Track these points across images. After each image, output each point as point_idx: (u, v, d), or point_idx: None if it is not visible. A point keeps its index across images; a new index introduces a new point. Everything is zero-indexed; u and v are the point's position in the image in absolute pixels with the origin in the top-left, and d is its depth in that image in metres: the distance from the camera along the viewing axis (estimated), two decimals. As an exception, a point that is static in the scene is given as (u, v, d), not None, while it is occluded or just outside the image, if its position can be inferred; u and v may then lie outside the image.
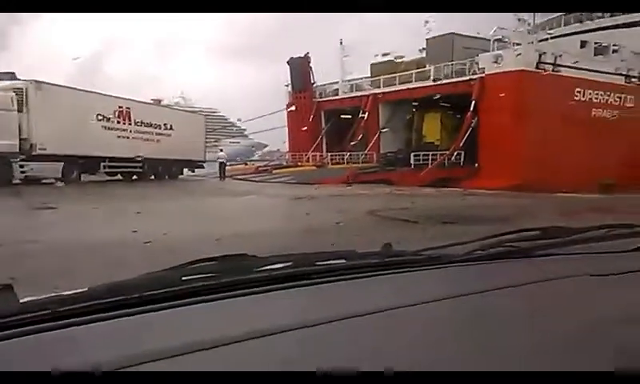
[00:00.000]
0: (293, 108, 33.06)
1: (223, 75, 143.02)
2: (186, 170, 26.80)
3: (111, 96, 22.31)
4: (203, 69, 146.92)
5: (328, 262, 1.21)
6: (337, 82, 32.71)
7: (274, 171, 28.67)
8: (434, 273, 1.26)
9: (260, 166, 32.52)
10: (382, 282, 1.17)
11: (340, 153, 29.24)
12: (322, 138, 31.92)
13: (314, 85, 32.91)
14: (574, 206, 12.86)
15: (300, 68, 32.72)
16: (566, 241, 1.43)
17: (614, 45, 22.54)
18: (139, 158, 22.54)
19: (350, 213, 11.73)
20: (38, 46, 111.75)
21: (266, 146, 60.95)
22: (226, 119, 61.21)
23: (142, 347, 0.75)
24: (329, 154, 30.32)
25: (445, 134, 26.15)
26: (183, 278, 1.03)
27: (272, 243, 5.70)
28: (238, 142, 66.48)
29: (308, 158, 30.33)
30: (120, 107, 22.26)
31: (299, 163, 30.05)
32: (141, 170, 22.96)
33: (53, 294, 0.92)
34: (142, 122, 23.18)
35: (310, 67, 32.82)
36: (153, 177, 23.73)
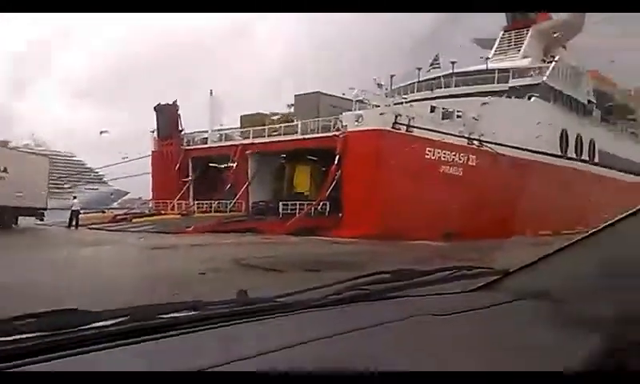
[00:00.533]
0: (158, 155, 32.00)
1: (80, 119, 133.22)
2: (25, 218, 23.45)
3: None
4: (59, 111, 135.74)
5: (172, 315, 1.13)
6: (206, 131, 32.46)
7: (134, 220, 27.17)
8: (288, 319, 1.24)
9: (118, 215, 30.64)
10: (232, 331, 1.12)
11: (207, 201, 28.77)
12: (189, 186, 31.16)
13: (182, 132, 32.33)
14: (424, 253, 13.88)
15: (168, 115, 31.99)
16: (412, 283, 1.51)
17: (458, 111, 25.35)
18: None
19: (215, 262, 11.48)
20: None
21: (126, 193, 57.77)
22: (82, 164, 57.30)
23: None
24: (195, 202, 29.65)
25: (314, 186, 27.04)
26: None
27: (116, 298, 5.29)
28: (96, 189, 62.32)
29: (173, 206, 29.31)
30: None
31: (163, 211, 28.86)
32: None
33: None
34: None
35: (179, 114, 32.27)
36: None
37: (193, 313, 1.16)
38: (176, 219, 26.02)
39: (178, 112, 32.32)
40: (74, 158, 61.85)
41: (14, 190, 21.51)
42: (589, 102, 33.32)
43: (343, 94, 27.60)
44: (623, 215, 1.28)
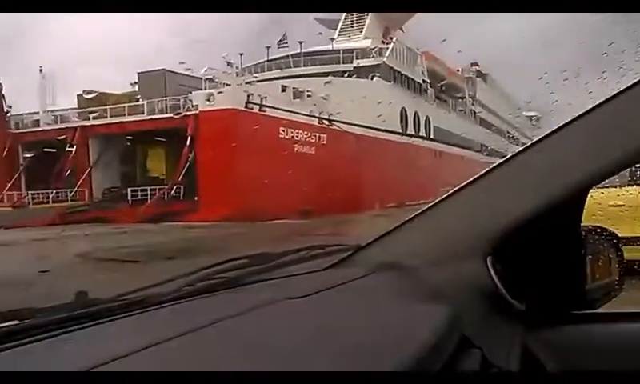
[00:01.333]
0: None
1: None
2: None
3: None
4: None
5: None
6: (37, 113, 29.21)
7: (-46, 215, 23.71)
8: (134, 319, 1.12)
9: None
10: (68, 339, 0.98)
11: (44, 191, 26.06)
12: (19, 175, 27.88)
13: (8, 114, 28.72)
14: (281, 232, 14.23)
15: (-13, 95, 28.15)
16: (270, 266, 1.46)
17: (308, 90, 26.06)
18: None
19: (58, 258, 10.55)
20: None
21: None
22: None
23: None
24: (29, 192, 26.66)
25: (170, 169, 25.91)
26: None
27: None
28: None
29: (2, 197, 26.05)
30: None
31: (-10, 204, 25.56)
32: None
33: None
34: None
35: (2, 94, 28.56)
36: None
37: (19, 322, 1.02)
38: (7, 212, 23.26)
39: (1, 91, 28.62)
40: None
41: None
42: (423, 81, 36.49)
43: (190, 70, 26.77)
44: (459, 186, 1.34)
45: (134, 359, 0.86)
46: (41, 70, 29.81)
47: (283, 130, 24.20)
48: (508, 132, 43.86)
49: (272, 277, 1.43)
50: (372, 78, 30.87)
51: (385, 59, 32.07)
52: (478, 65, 45.86)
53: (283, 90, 25.65)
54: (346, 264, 1.55)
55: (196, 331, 1.01)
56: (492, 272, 1.24)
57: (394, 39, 34.34)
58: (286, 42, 34.46)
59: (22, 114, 29.45)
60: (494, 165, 1.30)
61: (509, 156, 1.29)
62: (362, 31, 35.43)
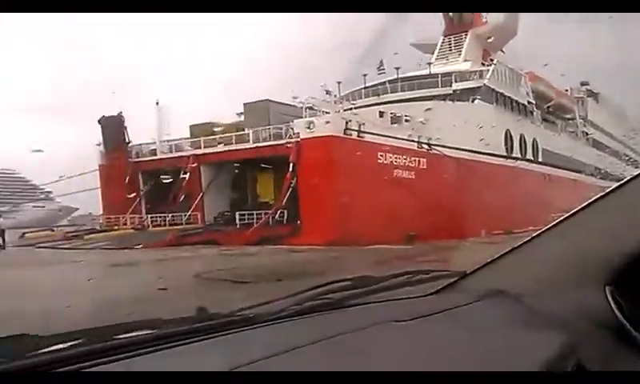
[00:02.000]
0: (106, 169, 31.11)
1: (26, 133, 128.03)
2: None
3: None
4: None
5: (127, 335, 1.10)
6: (154, 143, 31.84)
7: (86, 237, 26.38)
8: (248, 334, 1.21)
9: (69, 232, 29.60)
10: (192, 349, 1.09)
11: (161, 214, 28.23)
12: (140, 200, 30.46)
13: (130, 144, 31.54)
14: (383, 257, 14.24)
15: (113, 127, 31.07)
16: (372, 289, 1.46)
17: (405, 115, 26.06)
18: None
19: (174, 277, 11.32)
20: None
21: (76, 209, 55.71)
22: (26, 181, 54.77)
23: None
24: (149, 216, 29.02)
25: (275, 194, 26.96)
26: None
27: (69, 322, 5.06)
28: (43, 207, 59.75)
29: (126, 221, 28.59)
30: None
31: (115, 227, 28.12)
32: None
33: None
34: None
35: (125, 127, 31.43)
36: None
37: (150, 332, 1.13)
38: (130, 234, 25.42)
39: (124, 124, 31.48)
40: (14, 174, 59.15)
41: None
42: (529, 102, 35.05)
43: (295, 98, 27.86)
44: (572, 211, 1.30)
45: (244, 371, 0.95)
46: (157, 103, 32.64)
47: (382, 155, 24.32)
48: (624, 154, 40.58)
49: (375, 300, 1.44)
50: (473, 101, 30.22)
51: (486, 81, 31.28)
52: (588, 84, 43.19)
53: (381, 116, 25.82)
54: (451, 290, 1.56)
55: (302, 348, 1.06)
56: (612, 303, 1.18)
57: (495, 61, 33.42)
58: (384, 69, 34.81)
59: (140, 144, 32.16)
60: (611, 188, 1.22)
61: (626, 179, 1.20)
62: (460, 54, 34.87)
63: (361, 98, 31.38)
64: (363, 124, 24.28)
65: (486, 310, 1.38)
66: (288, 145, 24.62)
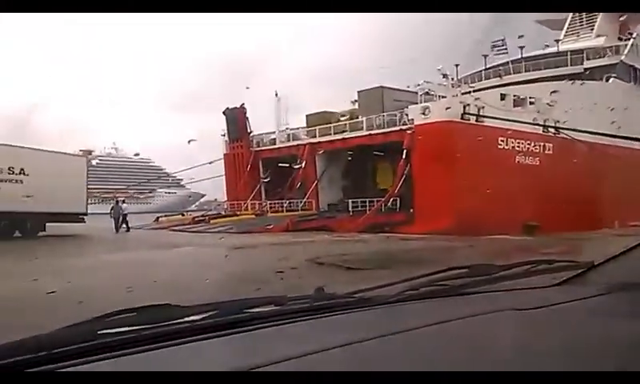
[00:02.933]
0: (230, 157, 33.10)
1: (159, 125, 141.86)
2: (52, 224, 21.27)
3: None
4: (138, 120, 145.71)
5: (256, 309, 1.19)
6: (274, 132, 33.19)
7: (212, 221, 28.24)
8: (364, 314, 1.25)
9: (197, 217, 31.99)
10: (313, 325, 1.16)
11: (279, 201, 29.45)
12: (260, 187, 32.01)
13: (251, 134, 33.19)
14: (501, 247, 13.56)
15: (236, 118, 32.90)
16: (492, 278, 1.45)
17: (530, 97, 24.40)
18: None
19: (291, 261, 11.67)
20: None
21: (203, 195, 60.14)
22: (161, 169, 60.07)
23: None
24: (268, 202, 30.44)
25: (388, 181, 26.77)
26: (99, 332, 0.97)
27: (204, 296, 5.52)
28: (175, 193, 65.37)
29: (247, 206, 30.25)
30: None
31: (238, 212, 29.86)
32: None
33: None
34: None
35: (247, 117, 33.12)
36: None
37: (275, 308, 1.22)
38: (251, 219, 26.82)
39: (246, 115, 33.15)
40: (151, 163, 65.21)
41: (37, 194, 19.50)
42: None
43: (408, 87, 27.38)
44: None
45: (362, 347, 0.98)
46: (276, 94, 33.93)
47: (502, 141, 23.06)
48: None
49: (495, 289, 1.43)
50: (607, 80, 27.46)
51: (623, 57, 28.23)
52: None
53: (502, 98, 24.43)
54: (577, 281, 1.51)
55: (416, 330, 1.09)
56: None
57: (634, 34, 29.98)
58: (505, 48, 32.82)
59: (261, 134, 33.74)
60: None
61: None
62: (593, 28, 31.78)
63: (480, 81, 29.97)
64: (482, 107, 23.18)
65: (614, 303, 1.32)
66: (402, 131, 24.29)
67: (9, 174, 19.80)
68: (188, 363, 0.91)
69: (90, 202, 26.76)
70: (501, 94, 24.68)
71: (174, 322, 1.07)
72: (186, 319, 1.09)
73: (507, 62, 31.02)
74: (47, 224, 21.10)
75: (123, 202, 27.91)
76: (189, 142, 31.66)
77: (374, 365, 0.93)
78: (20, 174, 20.03)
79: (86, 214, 22.88)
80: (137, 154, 66.76)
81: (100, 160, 70.54)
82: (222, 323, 1.09)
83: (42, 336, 0.92)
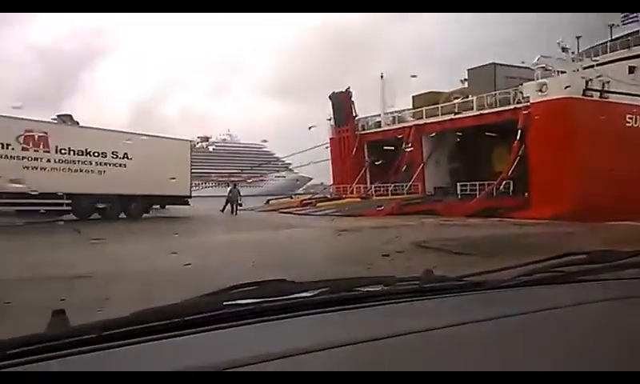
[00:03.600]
0: (336, 141, 33.52)
1: (269, 112, 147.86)
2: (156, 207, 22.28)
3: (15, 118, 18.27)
4: (250, 107, 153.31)
5: (365, 288, 1.21)
6: (379, 115, 33.00)
7: (319, 204, 28.89)
8: (475, 297, 1.23)
9: (304, 200, 32.89)
10: (422, 306, 1.17)
11: (384, 184, 29.34)
12: (365, 170, 32.08)
13: (356, 118, 33.29)
14: (625, 234, 12.41)
15: (341, 102, 33.21)
16: (612, 265, 1.39)
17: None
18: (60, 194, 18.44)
19: (396, 244, 11.65)
20: (98, 92, 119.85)
21: (310, 179, 61.66)
22: (271, 154, 62.45)
23: (186, 365, 0.78)
24: (373, 185, 30.46)
25: (499, 164, 25.51)
26: (225, 303, 1.05)
27: (315, 273, 5.78)
28: (284, 176, 67.79)
29: (352, 190, 30.52)
30: (29, 132, 18.47)
31: (343, 196, 30.24)
32: (65, 208, 18.72)
33: (101, 319, 0.95)
34: (69, 150, 19.38)
35: (352, 101, 33.27)
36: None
37: (385, 287, 1.24)
38: (356, 203, 27.04)
39: (351, 98, 33.32)
40: (262, 148, 67.99)
41: (143, 177, 19.80)
42: None
43: (522, 63, 25.76)
44: None
45: (472, 328, 0.98)
46: (382, 76, 33.64)
47: (630, 118, 20.98)
48: None
49: (615, 277, 1.34)
50: None
51: None
52: None
53: (631, 72, 22.17)
54: None
55: (530, 314, 1.06)
56: None
57: None
58: (636, 16, 29.54)
59: (366, 117, 33.72)
60: None
61: None
62: None
63: (606, 53, 27.33)
64: (607, 82, 21.20)
65: None
66: (516, 110, 22.97)
67: (112, 158, 20.35)
68: (303, 336, 0.96)
69: (207, 185, 28.48)
70: (629, 67, 22.39)
71: (290, 296, 1.12)
72: (301, 294, 1.14)
73: (638, 31, 27.97)
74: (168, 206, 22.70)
75: (235, 185, 29.32)
76: (309, 128, 32.32)
77: (482, 346, 0.93)
78: (124, 158, 20.54)
79: (190, 197, 23.21)
80: (263, 140, 70.41)
81: (216, 146, 75.08)
82: (333, 299, 1.13)
83: (174, 305, 1.04)
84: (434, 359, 0.87)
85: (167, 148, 22.07)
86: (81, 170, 19.49)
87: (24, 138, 18.27)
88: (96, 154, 19.98)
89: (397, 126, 30.87)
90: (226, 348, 0.88)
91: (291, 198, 36.94)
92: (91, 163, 19.83)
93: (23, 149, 18.16)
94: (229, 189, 26.17)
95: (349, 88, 33.42)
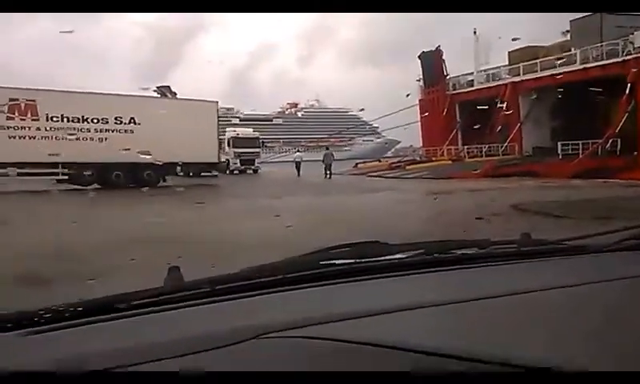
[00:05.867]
0: (425, 102, 32.73)
1: (357, 76, 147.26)
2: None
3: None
4: (339, 72, 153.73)
5: (461, 250, 1.21)
6: (471, 73, 31.69)
7: (408, 167, 28.57)
8: (576, 260, 1.19)
9: (393, 163, 32.65)
10: (519, 268, 1.14)
11: (477, 145, 28.37)
12: (456, 132, 31.12)
13: (447, 77, 32.22)
14: None
15: (432, 62, 32.27)
16: None
17: None
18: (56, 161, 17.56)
19: (491, 207, 11.28)
20: (198, 63, 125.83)
21: (398, 142, 60.83)
22: (358, 118, 62.21)
23: (286, 319, 0.81)
24: (465, 147, 29.54)
25: (605, 121, 23.53)
26: (321, 262, 1.09)
27: (406, 237, 5.79)
28: (371, 140, 67.44)
29: (443, 152, 29.81)
30: (14, 100, 17.76)
31: (434, 158, 29.66)
32: (63, 177, 17.93)
33: (211, 275, 1.01)
34: (62, 117, 18.40)
35: (443, 60, 32.21)
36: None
37: (480, 250, 1.21)
38: (447, 165, 26.45)
39: (442, 57, 32.27)
40: (349, 112, 67.87)
41: (156, 143, 17.55)
42: None
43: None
44: None
45: (571, 292, 0.94)
46: (475, 32, 32.14)
47: None
48: None
49: None
50: None
51: None
52: None
53: None
54: None
55: (631, 280, 1.00)
56: None
57: None
58: None
59: (458, 76, 32.51)
60: None
61: None
62: None
63: None
64: None
65: None
66: (626, 63, 21.08)
67: (115, 124, 19.14)
68: (397, 295, 0.96)
69: (297, 150, 29.24)
70: None
71: (385, 257, 1.15)
72: (395, 256, 1.16)
73: None
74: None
75: (298, 151, 30.33)
76: (407, 95, 31.58)
77: (584, 310, 0.88)
78: (130, 123, 19.24)
79: (217, 164, 21.66)
80: (359, 109, 70.58)
81: (304, 112, 76.01)
82: (428, 261, 1.14)
83: (277, 263, 1.12)
84: (537, 319, 0.84)
85: (187, 111, 20.23)
86: (78, 138, 18.30)
87: (9, 107, 17.82)
88: (100, 121, 18.95)
89: (491, 84, 29.52)
90: (321, 304, 0.91)
91: (379, 161, 36.79)
92: (89, 130, 18.76)
93: (9, 118, 17.71)
94: (323, 154, 26.74)
95: (439, 47, 32.40)
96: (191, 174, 20.70)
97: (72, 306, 0.87)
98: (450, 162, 27.61)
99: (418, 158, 32.32)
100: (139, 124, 19.14)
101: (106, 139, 18.85)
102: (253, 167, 28.89)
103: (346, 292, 0.99)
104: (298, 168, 27.18)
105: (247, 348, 0.73)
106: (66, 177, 18.06)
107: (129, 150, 16.70)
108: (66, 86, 19.74)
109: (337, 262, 1.10)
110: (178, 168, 19.60)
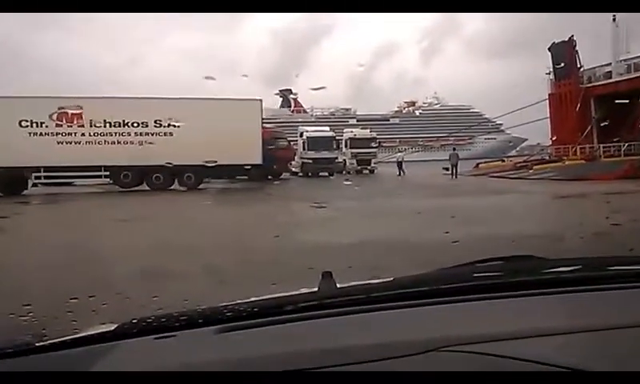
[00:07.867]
0: (556, 97, 30.49)
1: (478, 71, 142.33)
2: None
3: (50, 97, 19.61)
4: (459, 67, 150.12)
5: (622, 268, 1.12)
6: (609, 64, 28.91)
7: (535, 167, 26.85)
8: None
9: (518, 162, 30.85)
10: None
11: (615, 144, 25.83)
12: (591, 128, 28.54)
13: (581, 69, 29.73)
14: None
15: (564, 53, 29.99)
16: None
17: None
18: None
19: (633, 213, 10.22)
20: (321, 66, 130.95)
21: (524, 140, 57.47)
22: (480, 115, 59.81)
23: (463, 332, 0.79)
24: (601, 145, 27.01)
25: None
26: (474, 275, 1.08)
27: (542, 246, 5.40)
28: (494, 138, 64.41)
29: (575, 150, 27.54)
30: (61, 109, 19.26)
31: (564, 157, 27.52)
32: (106, 179, 19.51)
33: (364, 282, 1.03)
34: (105, 123, 19.53)
35: (576, 51, 29.79)
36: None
37: (623, 268, 1.12)
38: (580, 165, 24.42)
39: (575, 48, 29.89)
40: (471, 109, 65.55)
41: (194, 146, 18.22)
42: None
43: None
44: None
45: None
46: (614, 19, 29.22)
47: None
48: None
49: None
50: None
51: None
52: None
53: None
54: None
55: None
56: None
57: None
58: None
59: (593, 68, 29.87)
60: None
61: None
62: None
63: None
64: None
65: None
66: None
67: (155, 127, 19.83)
68: (556, 314, 0.93)
69: (413, 149, 29.24)
70: None
71: (541, 272, 1.10)
72: (550, 271, 1.10)
73: None
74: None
75: (399, 151, 30.55)
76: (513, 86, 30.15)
77: None
78: (169, 126, 19.66)
79: (260, 166, 20.67)
80: (481, 106, 68.69)
81: (422, 110, 74.71)
82: (585, 278, 1.07)
83: (429, 273, 1.14)
84: None
85: (229, 112, 20.07)
86: (120, 143, 19.65)
87: (57, 115, 19.41)
88: (140, 125, 19.79)
89: (632, 75, 26.67)
90: (474, 320, 0.88)
91: (502, 161, 34.94)
92: (130, 135, 19.79)
93: (57, 125, 19.41)
94: (449, 154, 26.86)
95: (572, 36, 29.97)
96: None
97: (250, 306, 0.94)
98: (583, 161, 25.43)
99: (547, 157, 30.23)
100: (178, 126, 19.31)
101: (145, 142, 19.78)
102: (369, 167, 29.17)
103: (500, 308, 0.95)
104: (400, 167, 28.44)
105: (427, 360, 0.73)
106: (108, 179, 19.63)
107: (167, 152, 17.93)
108: (208, 93, 20.81)
109: (490, 274, 1.08)
110: (220, 170, 19.33)
